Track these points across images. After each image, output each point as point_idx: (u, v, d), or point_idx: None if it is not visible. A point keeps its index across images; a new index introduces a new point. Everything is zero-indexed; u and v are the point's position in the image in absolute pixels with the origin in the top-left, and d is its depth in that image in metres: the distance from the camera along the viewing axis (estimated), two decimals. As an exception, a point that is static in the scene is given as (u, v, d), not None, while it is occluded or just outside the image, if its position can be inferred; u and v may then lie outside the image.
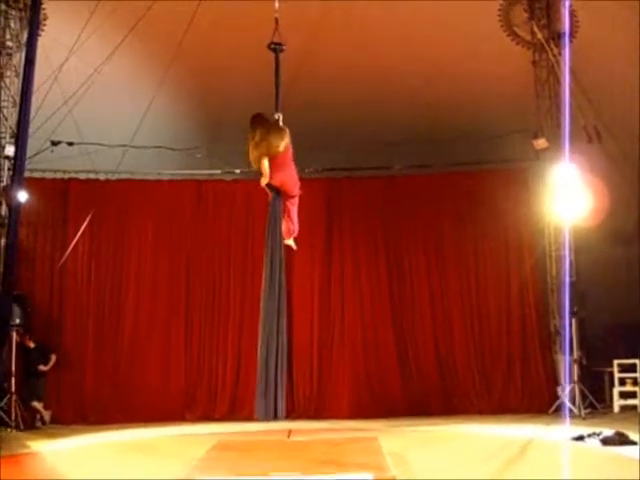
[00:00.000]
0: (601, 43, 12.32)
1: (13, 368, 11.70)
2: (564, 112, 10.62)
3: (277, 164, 7.20)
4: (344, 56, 12.99)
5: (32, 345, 12.24)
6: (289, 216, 7.43)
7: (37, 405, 12.05)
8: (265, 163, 7.12)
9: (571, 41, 12.07)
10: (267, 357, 7.05)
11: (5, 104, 12.22)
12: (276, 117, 7.58)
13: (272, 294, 7.18)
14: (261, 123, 7.28)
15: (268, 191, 7.36)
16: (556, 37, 12.51)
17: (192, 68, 13.07)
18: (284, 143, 7.18)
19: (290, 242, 7.62)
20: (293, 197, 7.46)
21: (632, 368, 12.40)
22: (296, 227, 7.53)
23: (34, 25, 7.95)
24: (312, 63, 12.64)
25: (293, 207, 7.47)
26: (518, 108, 12.64)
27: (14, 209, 8.66)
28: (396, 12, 12.19)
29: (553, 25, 12.65)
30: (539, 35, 12.72)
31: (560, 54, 12.21)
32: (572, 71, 10.99)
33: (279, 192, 7.33)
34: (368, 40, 12.80)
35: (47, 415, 12.17)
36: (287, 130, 7.38)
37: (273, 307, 7.17)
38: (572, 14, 12.17)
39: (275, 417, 6.97)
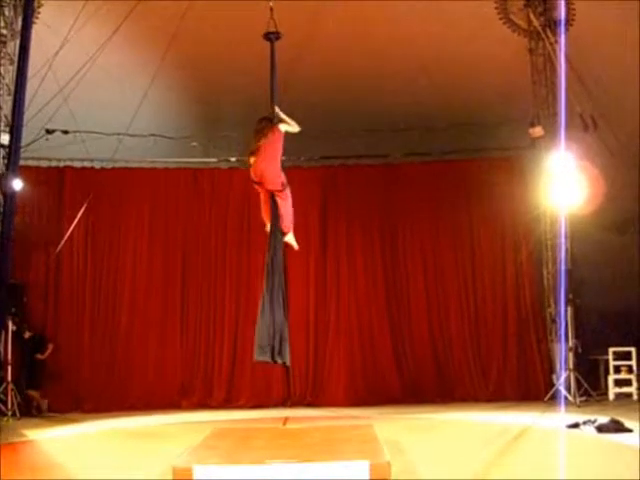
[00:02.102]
0: (598, 31, 12.29)
1: (10, 357, 11.70)
2: (560, 100, 10.60)
3: (261, 158, 7.31)
4: (340, 44, 12.94)
5: (28, 334, 12.25)
6: (279, 212, 7.37)
7: (34, 393, 12.07)
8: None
9: (567, 29, 12.05)
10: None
11: (-1, 92, 12.15)
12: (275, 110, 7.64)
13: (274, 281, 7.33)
14: (257, 124, 7.52)
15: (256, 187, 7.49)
16: (553, 25, 12.48)
17: (188, 56, 13.00)
18: (262, 141, 7.32)
19: (289, 239, 7.57)
20: (279, 192, 7.38)
21: (627, 356, 12.46)
22: (288, 223, 7.42)
23: (28, 12, 7.89)
24: (308, 51, 12.60)
25: (283, 202, 7.35)
26: (514, 96, 12.63)
27: (9, 198, 8.63)
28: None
29: (550, 13, 12.62)
30: (535, 23, 12.69)
31: (556, 42, 12.18)
32: (568, 59, 10.95)
33: (263, 186, 7.37)
34: (365, 28, 12.76)
35: (44, 403, 12.18)
36: (270, 127, 7.44)
37: (275, 293, 7.32)
38: (568, 2, 12.14)
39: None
